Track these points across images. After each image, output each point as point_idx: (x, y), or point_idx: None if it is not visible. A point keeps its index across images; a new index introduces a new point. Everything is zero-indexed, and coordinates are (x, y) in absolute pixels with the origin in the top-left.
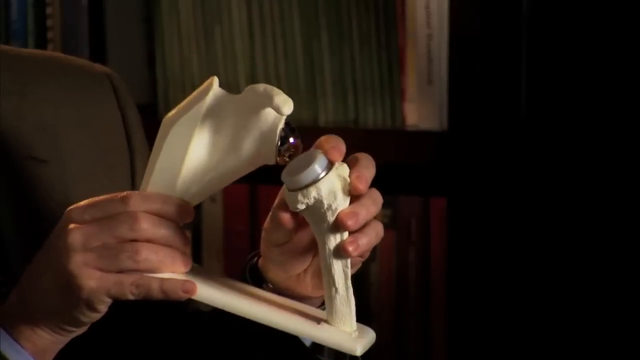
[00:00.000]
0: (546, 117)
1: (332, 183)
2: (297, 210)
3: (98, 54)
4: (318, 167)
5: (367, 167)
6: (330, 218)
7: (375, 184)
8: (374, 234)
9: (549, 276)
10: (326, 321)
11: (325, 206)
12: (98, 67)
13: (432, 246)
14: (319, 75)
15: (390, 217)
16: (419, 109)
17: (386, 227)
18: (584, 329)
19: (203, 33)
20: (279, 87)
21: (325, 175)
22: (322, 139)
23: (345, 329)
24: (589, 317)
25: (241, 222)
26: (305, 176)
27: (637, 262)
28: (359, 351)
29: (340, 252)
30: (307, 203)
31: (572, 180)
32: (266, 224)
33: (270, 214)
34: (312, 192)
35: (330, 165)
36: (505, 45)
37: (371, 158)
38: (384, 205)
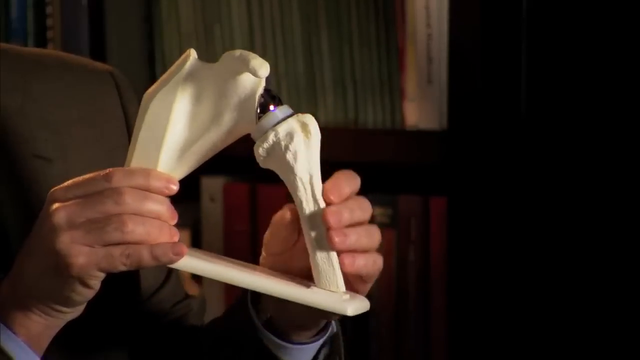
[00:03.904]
0: (546, 117)
1: (289, 125)
2: (262, 161)
3: (98, 53)
4: (279, 114)
5: (346, 181)
6: (293, 163)
7: (375, 183)
8: (359, 211)
9: (549, 275)
10: (317, 287)
11: (283, 147)
12: (100, 65)
13: (432, 246)
14: (319, 75)
15: (390, 217)
16: (419, 108)
17: (386, 226)
18: (584, 328)
19: (203, 33)
20: (279, 87)
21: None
22: None
23: (332, 289)
24: (589, 316)
25: (241, 222)
26: (266, 121)
27: (637, 262)
28: (349, 311)
29: (314, 211)
30: (267, 147)
31: (572, 179)
32: (266, 234)
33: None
34: (270, 135)
35: (293, 115)
36: (505, 45)
37: (354, 174)
38: (384, 205)
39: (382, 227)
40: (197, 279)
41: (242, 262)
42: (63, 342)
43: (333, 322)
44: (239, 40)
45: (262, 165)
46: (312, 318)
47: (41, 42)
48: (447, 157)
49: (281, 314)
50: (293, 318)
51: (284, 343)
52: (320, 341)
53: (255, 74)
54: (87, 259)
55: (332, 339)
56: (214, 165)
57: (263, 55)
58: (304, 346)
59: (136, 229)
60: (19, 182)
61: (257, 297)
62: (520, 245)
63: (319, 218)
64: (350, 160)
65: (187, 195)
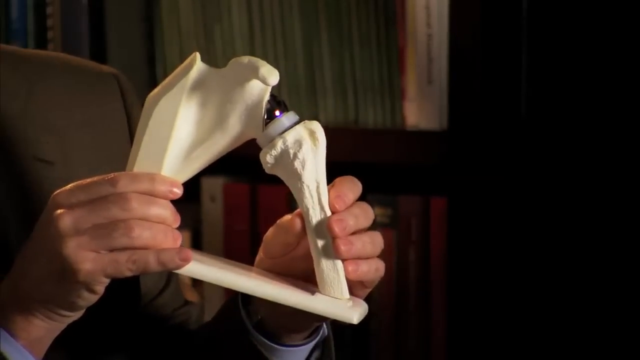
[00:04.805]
0: (546, 117)
1: (297, 133)
2: (269, 167)
3: (98, 54)
4: (286, 121)
5: (350, 188)
6: (301, 170)
7: (375, 184)
8: (363, 217)
9: (549, 276)
10: (320, 293)
11: (291, 155)
12: (105, 67)
13: (432, 246)
14: (319, 75)
15: (391, 217)
16: (419, 109)
17: (386, 226)
18: (584, 328)
19: (203, 33)
20: (279, 87)
21: (293, 127)
22: None
23: (337, 296)
24: (589, 316)
25: (241, 222)
26: (274, 128)
27: (637, 262)
28: (355, 319)
29: (321, 219)
30: (275, 155)
31: (572, 180)
32: (267, 234)
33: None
34: (279, 143)
35: (299, 122)
36: (505, 45)
37: (356, 180)
38: (385, 205)
39: (382, 227)
40: (197, 284)
41: (242, 265)
42: (62, 346)
43: (325, 325)
44: (239, 40)
45: (269, 171)
46: (304, 320)
47: (41, 42)
48: (447, 157)
49: (272, 315)
50: (284, 320)
51: (275, 345)
52: (312, 344)
53: (264, 82)
54: (94, 264)
55: (324, 343)
56: (214, 165)
57: (263, 56)
58: (295, 348)
59: (143, 234)
60: (20, 184)
61: (247, 298)
62: (520, 245)
63: (325, 226)
64: (350, 161)
65: (187, 196)
